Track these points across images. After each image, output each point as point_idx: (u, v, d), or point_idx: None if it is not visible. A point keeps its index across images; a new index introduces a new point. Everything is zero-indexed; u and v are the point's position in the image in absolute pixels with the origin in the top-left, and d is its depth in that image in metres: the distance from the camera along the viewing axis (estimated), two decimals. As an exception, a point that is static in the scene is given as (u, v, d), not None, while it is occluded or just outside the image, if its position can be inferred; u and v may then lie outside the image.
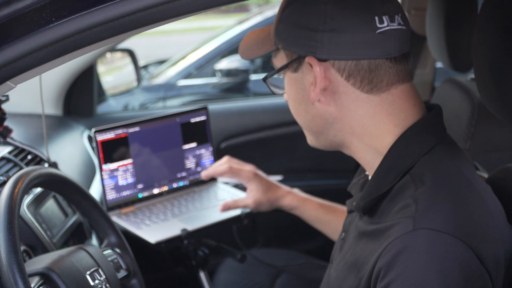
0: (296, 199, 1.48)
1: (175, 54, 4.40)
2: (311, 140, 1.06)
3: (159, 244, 1.51)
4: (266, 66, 3.76)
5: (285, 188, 1.50)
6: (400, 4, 0.96)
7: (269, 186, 1.48)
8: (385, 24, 0.91)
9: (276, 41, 1.01)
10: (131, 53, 2.45)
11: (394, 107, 0.94)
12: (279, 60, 1.03)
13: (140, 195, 1.71)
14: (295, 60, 0.98)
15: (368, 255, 0.89)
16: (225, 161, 1.55)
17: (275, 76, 1.06)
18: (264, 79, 1.08)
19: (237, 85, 3.55)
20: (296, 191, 1.51)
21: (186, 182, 1.80)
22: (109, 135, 1.64)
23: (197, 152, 1.82)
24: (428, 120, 0.95)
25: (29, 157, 1.53)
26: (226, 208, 1.51)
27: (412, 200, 0.86)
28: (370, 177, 1.00)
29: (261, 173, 1.52)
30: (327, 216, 1.45)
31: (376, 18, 0.91)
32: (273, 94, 1.12)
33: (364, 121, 0.95)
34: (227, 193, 1.74)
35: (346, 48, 0.92)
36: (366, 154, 0.98)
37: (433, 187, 0.86)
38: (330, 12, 0.91)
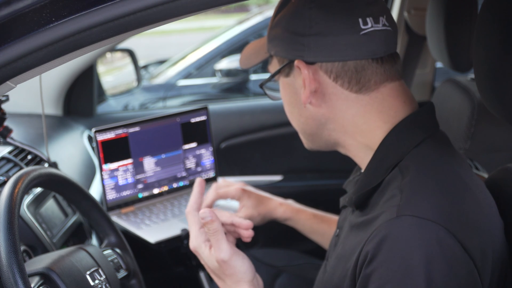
0: (289, 211, 1.46)
1: (175, 54, 4.39)
2: (307, 143, 1.08)
3: (159, 244, 1.51)
4: (266, 66, 3.76)
5: (277, 199, 1.48)
6: (385, 6, 0.98)
7: (259, 200, 1.46)
8: (369, 25, 0.93)
9: (269, 47, 1.04)
10: (131, 53, 2.45)
11: (384, 105, 0.96)
12: (273, 66, 1.06)
13: (140, 195, 1.71)
14: (286, 65, 1.00)
15: (356, 245, 0.90)
16: (212, 190, 1.49)
17: (273, 81, 1.08)
18: (261, 86, 1.10)
19: (237, 85, 3.56)
20: (290, 202, 1.49)
21: (186, 182, 1.80)
22: (109, 135, 1.64)
23: (197, 152, 1.82)
24: (418, 115, 0.96)
25: (29, 157, 1.53)
26: None
27: (398, 190, 0.87)
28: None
29: (250, 188, 1.50)
30: (320, 226, 1.44)
31: (360, 20, 0.93)
32: (270, 99, 1.13)
33: (355, 120, 0.97)
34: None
35: (332, 50, 0.94)
36: (359, 151, 0.99)
37: (419, 177, 0.88)
38: (315, 16, 0.94)
